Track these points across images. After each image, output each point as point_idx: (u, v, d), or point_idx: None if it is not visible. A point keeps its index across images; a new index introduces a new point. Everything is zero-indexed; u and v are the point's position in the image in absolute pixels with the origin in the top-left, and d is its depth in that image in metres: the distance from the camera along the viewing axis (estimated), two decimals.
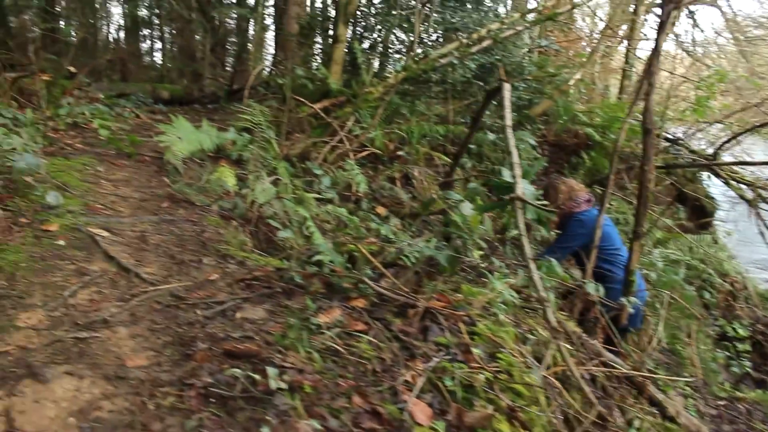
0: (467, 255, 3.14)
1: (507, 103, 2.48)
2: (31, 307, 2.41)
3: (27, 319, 2.33)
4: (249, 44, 11.37)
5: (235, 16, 12.98)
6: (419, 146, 6.54)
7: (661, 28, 4.02)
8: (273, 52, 12.07)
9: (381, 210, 5.39)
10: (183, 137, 5.02)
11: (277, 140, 5.76)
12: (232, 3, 12.94)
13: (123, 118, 6.80)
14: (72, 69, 7.06)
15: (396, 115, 6.95)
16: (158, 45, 14.28)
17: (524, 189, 2.24)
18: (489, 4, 8.52)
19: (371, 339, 2.29)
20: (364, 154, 6.28)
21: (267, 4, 12.59)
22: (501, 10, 9.08)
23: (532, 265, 1.96)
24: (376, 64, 7.77)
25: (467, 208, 2.65)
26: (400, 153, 6.46)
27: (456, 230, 2.91)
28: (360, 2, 7.33)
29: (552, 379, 2.61)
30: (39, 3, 10.65)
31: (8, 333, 2.21)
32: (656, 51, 3.91)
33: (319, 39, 9.72)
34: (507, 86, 2.55)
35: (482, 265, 3.34)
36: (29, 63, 7.02)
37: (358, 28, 8.19)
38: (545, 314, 1.83)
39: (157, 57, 14.20)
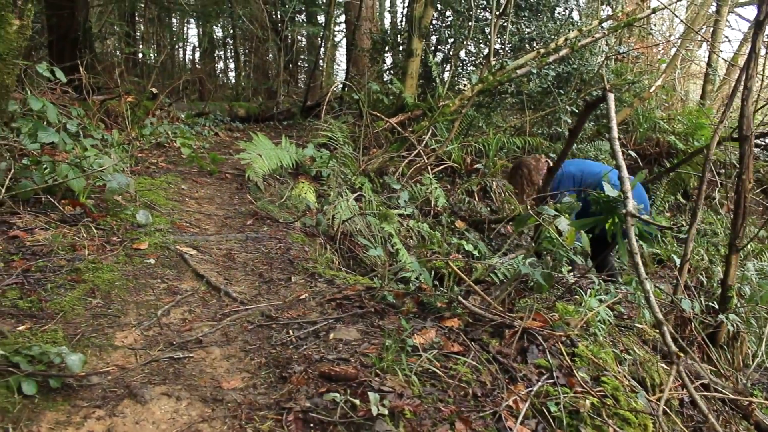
0: (561, 272, 3.00)
1: (612, 114, 2.35)
2: (126, 326, 2.43)
3: (123, 338, 2.35)
4: (321, 60, 11.49)
5: (307, 33, 13.17)
6: (496, 159, 6.42)
7: (759, 28, 3.78)
8: (345, 67, 12.15)
9: (460, 224, 5.30)
10: (263, 155, 5.06)
11: (355, 156, 5.76)
12: (304, 21, 13.14)
13: (203, 136, 6.95)
14: (154, 90, 7.26)
15: (472, 127, 6.86)
16: (233, 64, 14.65)
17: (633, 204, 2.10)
18: (563, 13, 8.34)
19: (469, 361, 2.20)
20: (441, 168, 6.21)
21: (338, 20, 12.74)
22: (575, 16, 8.88)
23: (648, 285, 1.83)
24: (449, 76, 7.67)
25: (564, 223, 2.52)
26: (477, 166, 6.36)
27: (550, 246, 2.78)
28: (433, 15, 7.27)
29: (656, 402, 2.45)
30: (122, 29, 11.09)
31: (107, 352, 2.23)
32: (753, 53, 3.68)
33: (391, 53, 9.73)
34: (611, 96, 2.43)
35: (572, 281, 3.20)
36: (115, 86, 7.29)
37: (431, 41, 8.14)
38: (664, 339, 1.70)
39: (232, 76, 14.57)
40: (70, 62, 6.65)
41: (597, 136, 8.19)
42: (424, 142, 5.91)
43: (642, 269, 1.84)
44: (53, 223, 3.37)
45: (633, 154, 7.87)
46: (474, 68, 7.20)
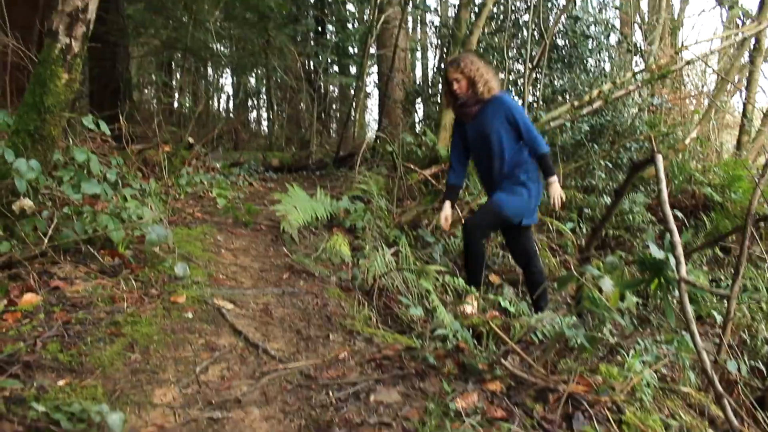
0: (603, 333, 2.93)
1: (661, 175, 2.32)
2: (165, 382, 2.41)
3: (162, 396, 2.33)
4: (353, 111, 11.67)
5: (340, 84, 13.41)
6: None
7: None
8: (378, 118, 12.32)
9: (495, 278, 5.23)
10: (298, 206, 5.09)
11: (389, 208, 5.76)
12: (337, 72, 13.41)
13: (238, 186, 7.03)
14: (190, 140, 7.40)
15: None
16: (267, 114, 14.93)
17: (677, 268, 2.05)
18: (596, 65, 8.39)
19: (514, 428, 2.13)
20: None
21: (371, 71, 12.95)
22: (608, 68, 8.91)
23: (704, 355, 1.76)
24: None
25: (608, 284, 2.47)
26: None
27: (593, 307, 2.72)
28: None
29: None
30: (160, 79, 11.42)
31: (146, 410, 2.21)
32: None
33: (424, 104, 9.85)
34: (659, 158, 2.40)
35: (614, 341, 3.11)
36: (153, 135, 7.45)
37: None
38: (726, 414, 1.63)
39: (266, 125, 14.83)
40: (110, 111, 6.81)
41: (631, 188, 8.11)
42: (465, 198, 5.90)
43: (698, 338, 1.78)
44: (93, 274, 3.41)
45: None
46: None
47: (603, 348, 3.22)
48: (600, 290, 2.70)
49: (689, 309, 1.85)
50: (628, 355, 2.90)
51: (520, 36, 7.82)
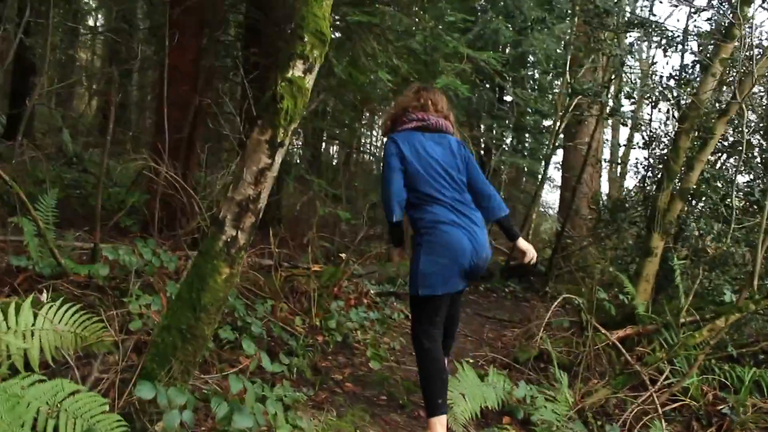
0: None
1: None
2: None
3: None
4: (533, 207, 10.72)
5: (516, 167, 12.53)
6: (754, 400, 5.03)
7: None
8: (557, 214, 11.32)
9: None
10: (467, 393, 4.22)
11: (572, 384, 4.75)
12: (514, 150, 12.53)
13: (392, 323, 6.25)
14: (341, 255, 6.74)
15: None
16: None
17: None
18: None
19: None
20: (673, 406, 4.98)
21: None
22: None
23: None
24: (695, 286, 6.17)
25: None
26: (722, 409, 5.02)
27: None
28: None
29: None
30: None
31: None
32: None
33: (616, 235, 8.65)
34: None
35: None
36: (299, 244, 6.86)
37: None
38: None
39: None
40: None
41: None
42: (660, 382, 4.75)
43: None
44: None
45: None
46: (730, 282, 5.83)
47: None
48: None
49: None
50: None
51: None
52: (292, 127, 2.92)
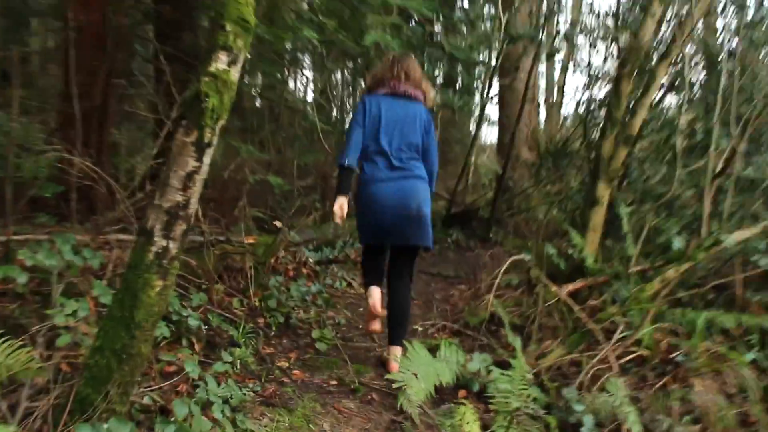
0: None
1: None
2: None
3: None
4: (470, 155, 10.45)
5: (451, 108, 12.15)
6: (703, 346, 4.98)
7: None
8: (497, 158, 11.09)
9: None
10: (419, 373, 3.99)
11: (524, 349, 4.59)
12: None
13: (335, 290, 5.94)
14: (277, 224, 6.31)
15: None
16: None
17: None
18: None
19: None
20: (627, 359, 4.88)
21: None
22: None
23: None
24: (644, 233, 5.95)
25: None
26: (676, 357, 4.96)
27: None
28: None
29: None
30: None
31: None
32: None
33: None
34: None
35: None
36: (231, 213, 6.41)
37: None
38: None
39: None
40: None
41: None
42: (614, 339, 4.63)
43: None
44: None
45: None
46: (677, 226, 5.65)
47: None
48: None
49: None
50: None
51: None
52: (219, 124, 2.58)
